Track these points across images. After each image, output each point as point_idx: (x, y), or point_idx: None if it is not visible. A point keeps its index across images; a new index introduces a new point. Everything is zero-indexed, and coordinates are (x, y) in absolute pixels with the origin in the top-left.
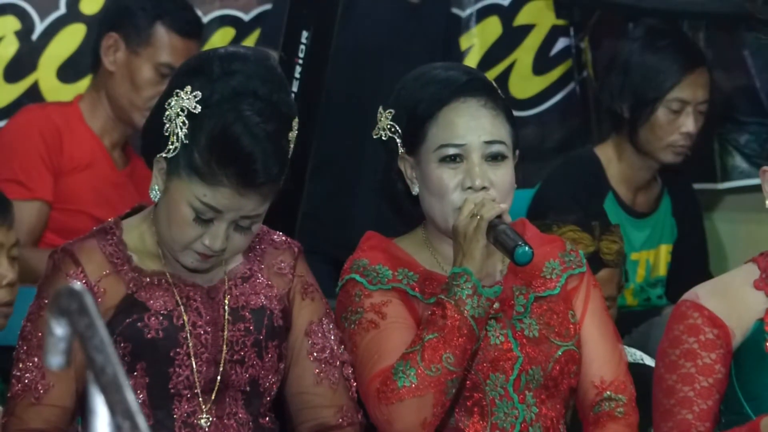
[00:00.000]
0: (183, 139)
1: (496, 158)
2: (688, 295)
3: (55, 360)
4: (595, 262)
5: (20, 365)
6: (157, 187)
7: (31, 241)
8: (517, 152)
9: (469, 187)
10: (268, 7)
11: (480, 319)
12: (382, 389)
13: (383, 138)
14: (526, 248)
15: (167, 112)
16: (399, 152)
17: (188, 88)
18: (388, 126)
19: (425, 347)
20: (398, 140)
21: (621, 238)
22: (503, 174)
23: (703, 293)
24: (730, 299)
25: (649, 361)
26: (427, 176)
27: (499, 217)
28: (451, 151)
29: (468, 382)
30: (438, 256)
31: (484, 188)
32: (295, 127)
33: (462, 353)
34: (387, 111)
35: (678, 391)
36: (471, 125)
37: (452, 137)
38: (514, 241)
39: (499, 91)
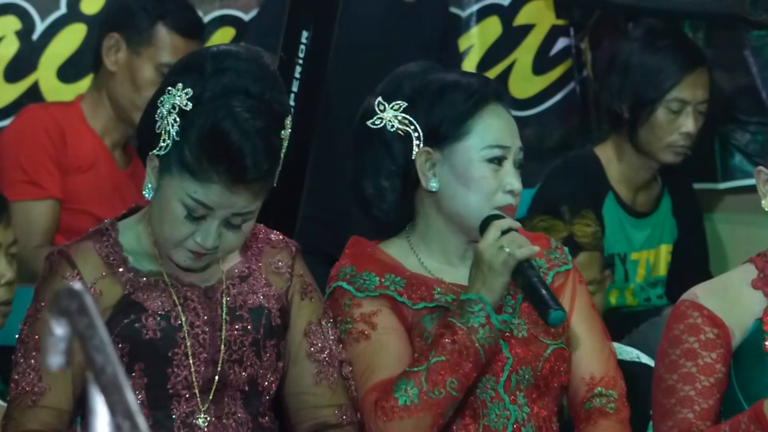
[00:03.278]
0: (174, 136)
1: (521, 166)
2: (687, 295)
3: (55, 360)
4: (571, 246)
5: (18, 368)
6: (150, 185)
7: (47, 241)
8: None
9: (510, 191)
10: None
11: (489, 348)
12: (381, 404)
13: (389, 129)
14: (561, 312)
15: (159, 110)
16: (414, 145)
17: (180, 85)
18: (400, 118)
19: (431, 369)
20: (414, 134)
21: (595, 222)
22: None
23: (702, 293)
24: (729, 299)
25: (646, 359)
26: (466, 172)
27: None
28: (498, 152)
29: None
30: (425, 262)
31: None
32: (289, 126)
33: (466, 379)
34: (394, 103)
35: (679, 390)
36: (511, 130)
37: (500, 139)
38: (548, 303)
39: None
